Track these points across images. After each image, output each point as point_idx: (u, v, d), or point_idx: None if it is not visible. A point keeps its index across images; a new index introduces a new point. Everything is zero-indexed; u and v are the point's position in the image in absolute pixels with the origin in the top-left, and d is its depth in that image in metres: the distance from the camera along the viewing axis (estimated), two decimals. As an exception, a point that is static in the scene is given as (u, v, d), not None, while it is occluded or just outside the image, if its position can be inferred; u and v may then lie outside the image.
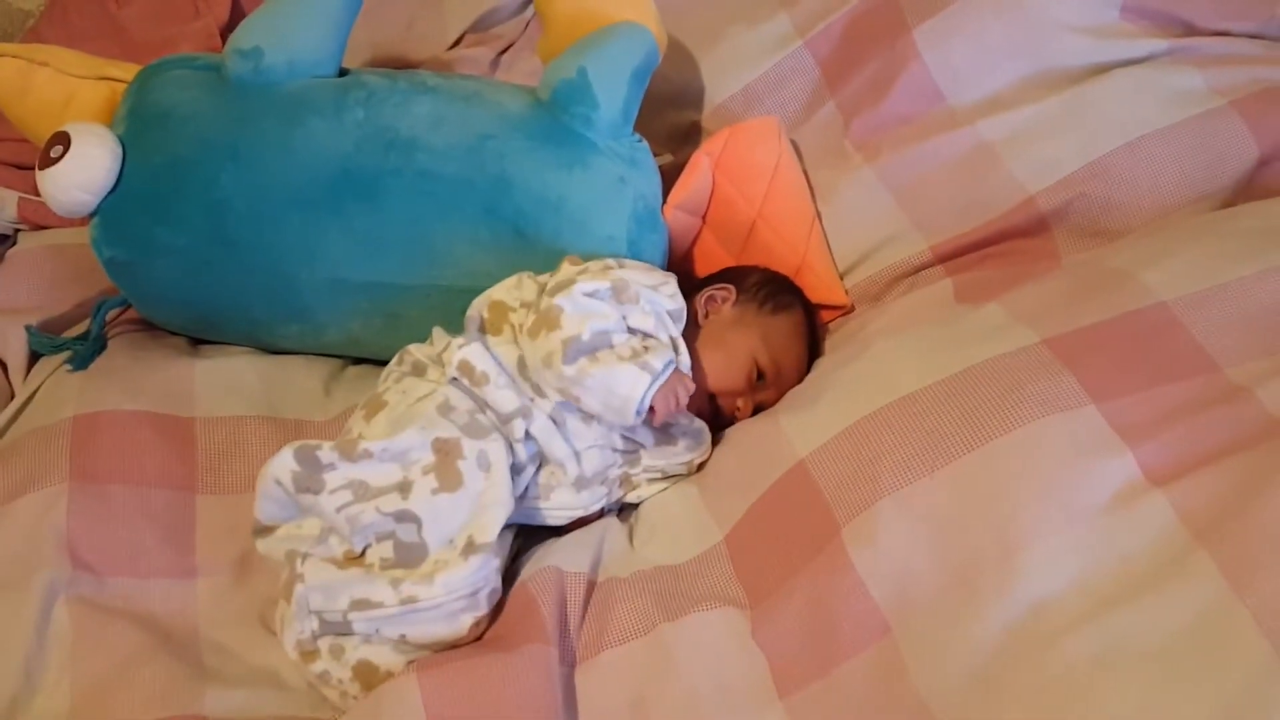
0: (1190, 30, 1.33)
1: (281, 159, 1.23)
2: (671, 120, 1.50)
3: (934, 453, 0.97)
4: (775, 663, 0.98)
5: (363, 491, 1.04)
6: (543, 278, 1.19)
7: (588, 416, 1.13)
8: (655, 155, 1.36)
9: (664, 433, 1.18)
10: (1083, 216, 1.25)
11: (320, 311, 1.27)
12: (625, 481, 1.19)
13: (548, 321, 1.10)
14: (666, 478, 1.20)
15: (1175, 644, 0.83)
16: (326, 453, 1.05)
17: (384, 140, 1.22)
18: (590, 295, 1.11)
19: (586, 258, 1.20)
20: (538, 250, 1.22)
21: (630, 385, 1.07)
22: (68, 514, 1.12)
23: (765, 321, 1.25)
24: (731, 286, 1.27)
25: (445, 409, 1.08)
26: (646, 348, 1.10)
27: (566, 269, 1.17)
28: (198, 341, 1.38)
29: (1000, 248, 1.29)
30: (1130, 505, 0.90)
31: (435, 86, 1.27)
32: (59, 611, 1.07)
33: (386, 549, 1.03)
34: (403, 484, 1.04)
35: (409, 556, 1.03)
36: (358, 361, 1.38)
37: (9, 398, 1.35)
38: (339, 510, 1.04)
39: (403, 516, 1.03)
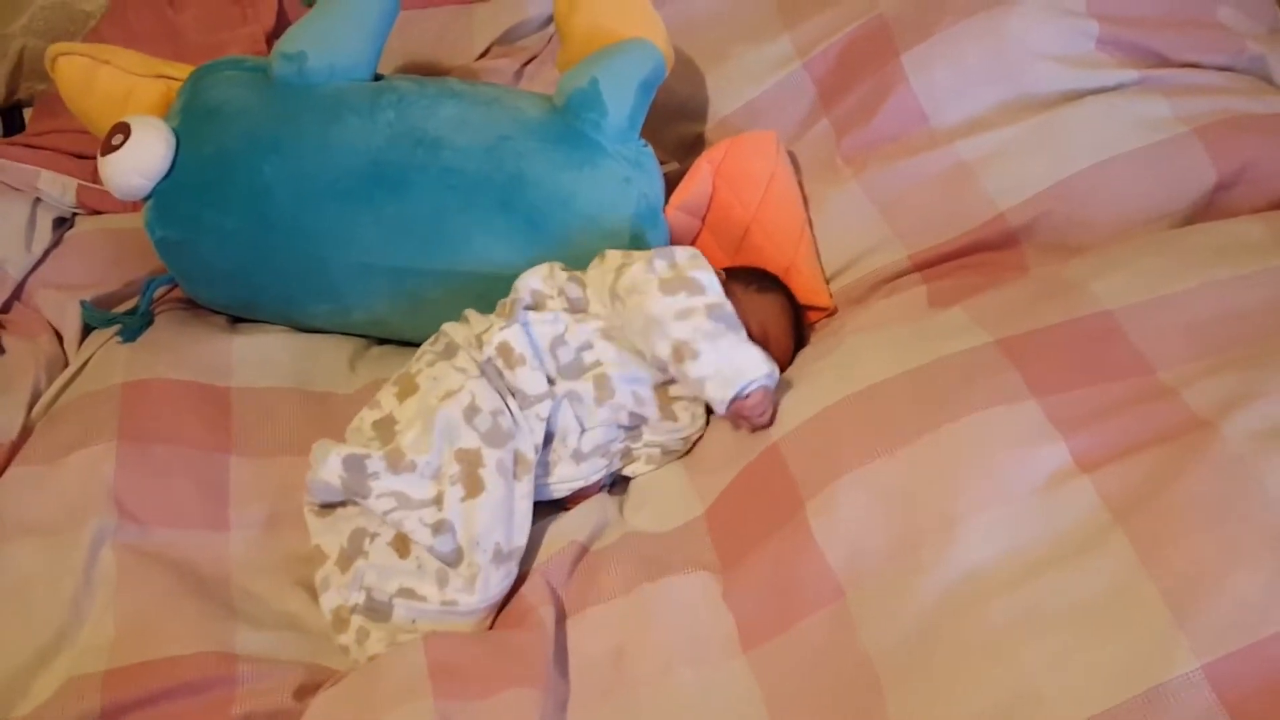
0: (1163, 61, 1.42)
1: (319, 152, 1.34)
2: (679, 131, 1.61)
3: (891, 436, 1.08)
4: (741, 620, 1.09)
5: (405, 501, 1.14)
6: (582, 273, 1.30)
7: (604, 397, 1.22)
8: (663, 163, 1.47)
9: (669, 409, 1.27)
10: (1050, 232, 1.34)
11: (349, 293, 1.38)
12: (626, 455, 1.30)
13: (688, 285, 1.20)
14: (664, 454, 1.30)
15: (1089, 609, 0.93)
16: (374, 462, 1.15)
17: (412, 139, 1.34)
18: (711, 280, 1.22)
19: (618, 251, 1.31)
20: (548, 240, 1.33)
21: (753, 366, 1.16)
22: (116, 469, 1.22)
23: (752, 297, 1.34)
24: (723, 271, 1.37)
25: (471, 412, 1.17)
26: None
27: (619, 256, 1.27)
28: (236, 320, 1.50)
29: (973, 259, 1.38)
30: (1059, 488, 1.00)
31: (460, 92, 1.39)
32: (105, 555, 1.16)
33: (429, 551, 1.13)
34: (438, 496, 1.14)
35: (449, 559, 1.13)
36: (382, 342, 1.49)
37: (64, 366, 1.46)
38: (385, 514, 1.14)
39: (440, 527, 1.13)
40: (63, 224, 1.67)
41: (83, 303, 1.49)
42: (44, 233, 1.62)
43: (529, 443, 1.19)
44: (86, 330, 1.49)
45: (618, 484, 1.33)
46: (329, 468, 1.14)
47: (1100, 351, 1.10)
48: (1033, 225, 1.35)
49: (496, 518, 1.14)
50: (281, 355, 1.41)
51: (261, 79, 1.40)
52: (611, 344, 1.25)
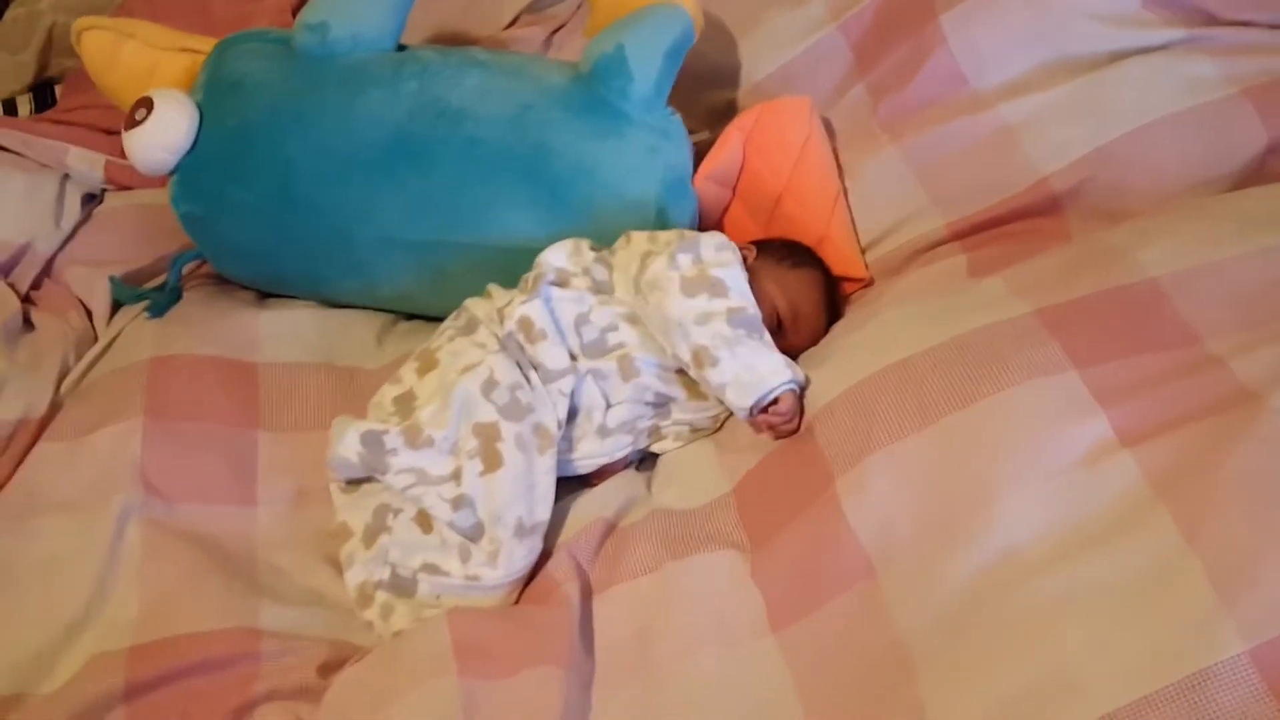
0: (1211, 20, 1.36)
1: (342, 125, 1.33)
2: (709, 99, 1.58)
3: (924, 412, 1.04)
4: (770, 599, 1.06)
5: (424, 477, 1.13)
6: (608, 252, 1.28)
7: (629, 375, 1.20)
8: (693, 132, 1.44)
9: (694, 389, 1.24)
10: (1093, 198, 1.30)
11: (374, 267, 1.37)
12: (654, 433, 1.27)
13: (710, 286, 1.16)
14: (693, 431, 1.28)
15: (1130, 588, 0.89)
16: (392, 438, 1.13)
17: (435, 109, 1.32)
18: (736, 278, 1.20)
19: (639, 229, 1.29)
20: (572, 212, 1.31)
21: (774, 373, 1.13)
22: (142, 445, 1.22)
23: (783, 273, 1.31)
24: (753, 245, 1.34)
25: (488, 386, 1.15)
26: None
27: (645, 241, 1.25)
28: (264, 295, 1.49)
29: (1014, 226, 1.33)
30: (1099, 463, 0.96)
31: (484, 61, 1.37)
32: (131, 531, 1.16)
33: (450, 526, 1.12)
34: (456, 471, 1.13)
35: (470, 534, 1.12)
36: (410, 317, 1.48)
37: (93, 341, 1.47)
38: (405, 490, 1.13)
39: (460, 502, 1.12)
40: (92, 200, 1.67)
41: (112, 278, 1.49)
42: (73, 209, 1.62)
43: (551, 417, 1.17)
44: (116, 306, 1.50)
45: (646, 461, 1.30)
46: (347, 444, 1.13)
47: (1144, 321, 1.05)
48: (1076, 191, 1.30)
49: (517, 492, 1.12)
50: (309, 330, 1.40)
51: (284, 51, 1.39)
52: (636, 329, 1.23)
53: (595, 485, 1.25)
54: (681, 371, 1.23)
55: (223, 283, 1.50)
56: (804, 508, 1.08)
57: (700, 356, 1.15)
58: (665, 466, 1.28)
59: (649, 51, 1.33)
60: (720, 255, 1.22)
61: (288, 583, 1.19)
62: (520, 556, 1.12)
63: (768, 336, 1.18)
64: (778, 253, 1.35)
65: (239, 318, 1.40)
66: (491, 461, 1.13)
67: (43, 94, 1.98)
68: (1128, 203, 1.29)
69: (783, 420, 1.14)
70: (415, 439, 1.13)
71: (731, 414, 1.27)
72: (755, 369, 1.13)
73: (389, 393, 1.22)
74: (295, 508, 1.25)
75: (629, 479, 1.25)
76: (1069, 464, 0.97)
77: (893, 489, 1.03)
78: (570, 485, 1.23)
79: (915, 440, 1.04)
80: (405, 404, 1.19)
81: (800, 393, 1.16)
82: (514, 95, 1.33)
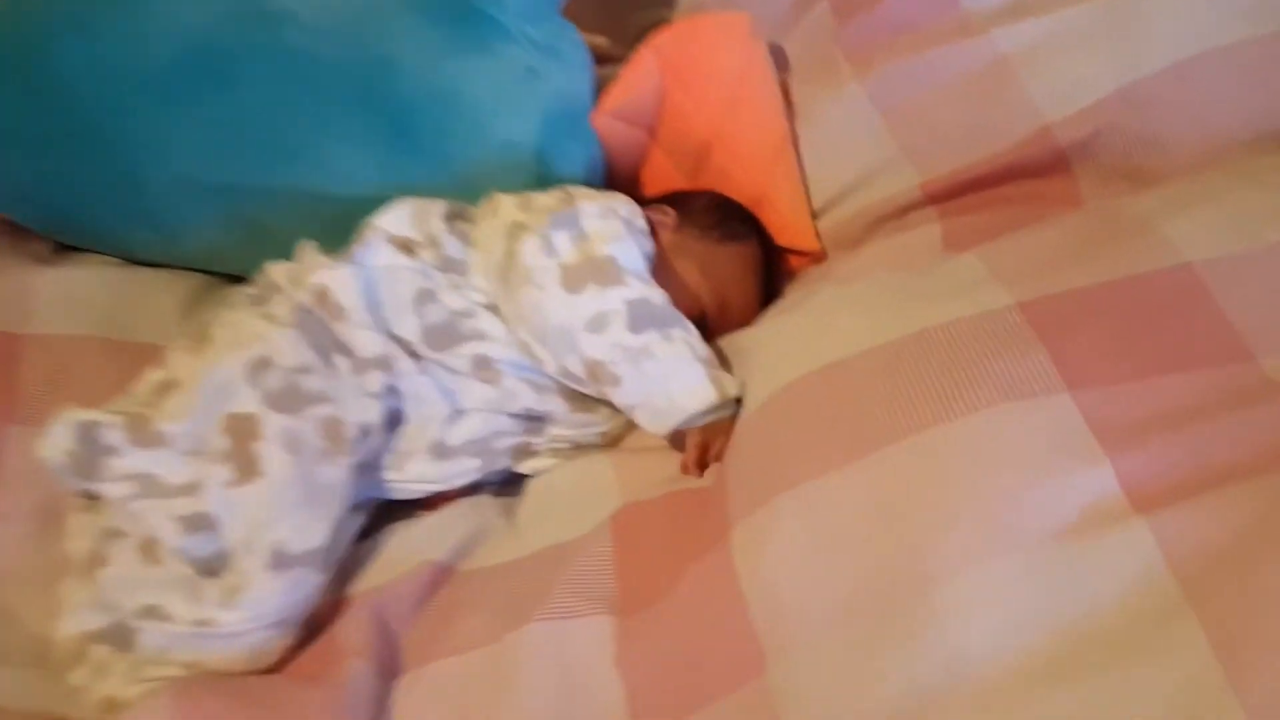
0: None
1: (131, 35, 1.04)
2: (639, 21, 1.32)
3: (852, 439, 0.75)
4: (635, 693, 0.77)
5: (151, 487, 0.85)
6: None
7: (487, 378, 0.93)
8: (617, 61, 1.15)
9: (582, 398, 0.98)
10: (1112, 153, 1.00)
11: (172, 216, 1.09)
12: (521, 451, 0.99)
13: (599, 272, 0.90)
14: (577, 448, 1.00)
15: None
16: (112, 432, 0.86)
17: (250, 12, 1.03)
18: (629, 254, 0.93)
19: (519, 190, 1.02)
20: (421, 152, 1.04)
21: (691, 397, 0.88)
22: None
23: (710, 250, 1.06)
24: (672, 210, 1.06)
25: (259, 366, 0.88)
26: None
27: (513, 208, 0.98)
28: (64, 248, 1.20)
29: (1008, 189, 1.04)
30: (1099, 535, 0.66)
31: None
32: None
33: (180, 555, 0.85)
34: (196, 480, 0.85)
35: (209, 566, 0.85)
36: (236, 279, 1.18)
37: None
38: (125, 502, 0.86)
39: (196, 522, 0.84)
40: None
41: None
42: None
43: (354, 413, 0.89)
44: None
45: (511, 483, 1.02)
46: (54, 441, 0.87)
47: (1172, 323, 0.75)
48: (1090, 144, 1.00)
49: (278, 510, 0.85)
50: (97, 295, 1.11)
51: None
52: (500, 322, 0.96)
53: (431, 512, 0.96)
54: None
55: (14, 230, 1.20)
56: (691, 561, 0.80)
57: (597, 373, 0.91)
58: (540, 491, 0.99)
59: (534, -63, 1.04)
60: (606, 225, 0.94)
61: (14, 632, 0.91)
62: (273, 596, 0.83)
63: (685, 328, 0.92)
64: (703, 218, 1.08)
65: (13, 276, 1.11)
66: (245, 468, 0.85)
67: None
68: (1155, 160, 0.98)
69: (695, 456, 0.90)
70: (142, 434, 0.86)
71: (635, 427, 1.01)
72: (667, 391, 0.89)
73: (151, 379, 0.95)
74: (43, 528, 0.96)
75: (479, 505, 0.97)
76: (1053, 533, 0.67)
77: (801, 546, 0.73)
78: (398, 509, 0.97)
79: (837, 480, 0.74)
80: (165, 393, 0.92)
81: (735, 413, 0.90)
82: (355, -5, 1.04)
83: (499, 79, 1.03)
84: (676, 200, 1.09)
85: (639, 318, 0.89)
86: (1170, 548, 0.64)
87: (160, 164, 1.05)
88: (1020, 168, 1.03)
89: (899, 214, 1.08)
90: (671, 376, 0.89)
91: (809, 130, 1.13)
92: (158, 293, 1.14)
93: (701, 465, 0.89)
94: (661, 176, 1.18)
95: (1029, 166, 1.03)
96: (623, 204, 0.99)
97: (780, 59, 1.16)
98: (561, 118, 1.05)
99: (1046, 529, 0.67)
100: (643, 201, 1.09)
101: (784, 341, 0.90)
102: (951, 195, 1.06)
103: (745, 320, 1.04)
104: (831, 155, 1.12)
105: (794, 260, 1.14)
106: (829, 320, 0.87)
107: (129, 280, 1.14)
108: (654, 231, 1.03)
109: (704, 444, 0.89)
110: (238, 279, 1.17)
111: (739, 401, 0.89)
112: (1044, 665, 0.63)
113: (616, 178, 1.16)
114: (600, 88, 1.13)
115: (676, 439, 0.92)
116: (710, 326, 1.02)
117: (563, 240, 0.92)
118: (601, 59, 1.22)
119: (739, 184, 1.13)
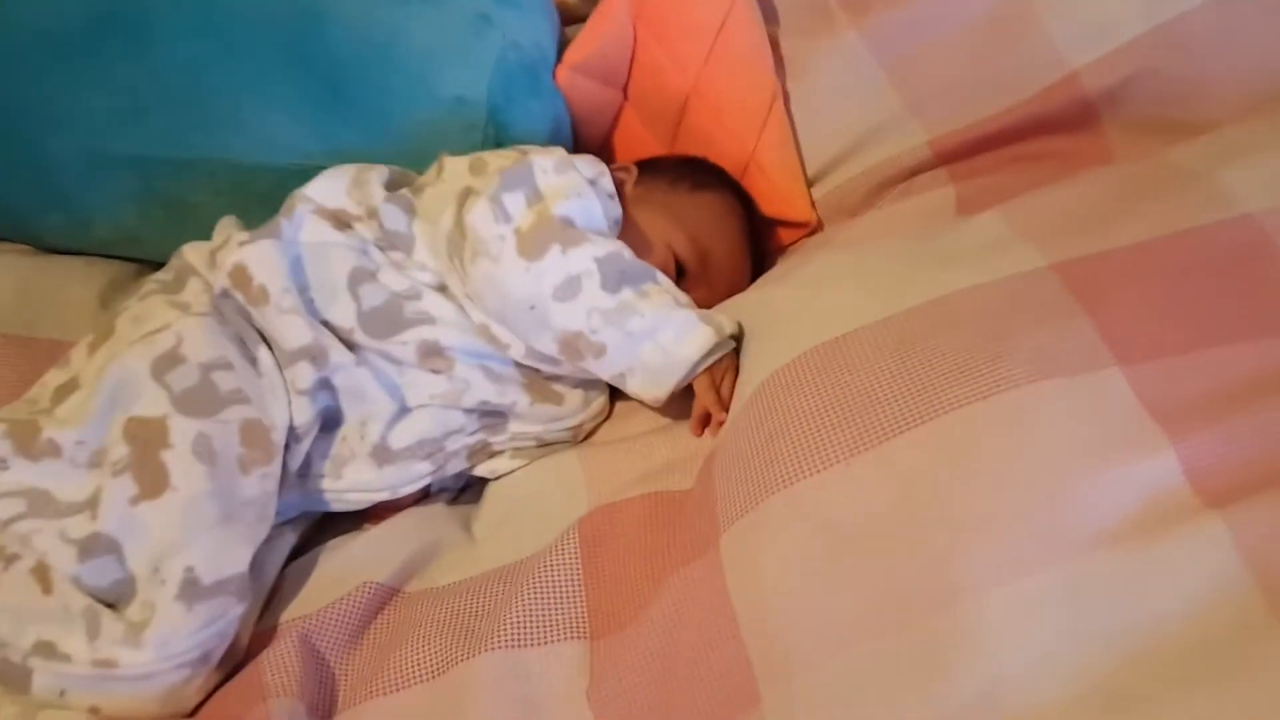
0: None
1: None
2: None
3: (858, 428, 0.65)
4: (606, 733, 0.67)
5: (40, 504, 0.76)
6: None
7: (438, 366, 0.84)
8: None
9: (546, 388, 0.88)
10: (1146, 103, 0.92)
11: (80, 195, 1.01)
12: (479, 452, 0.89)
13: (559, 234, 0.81)
14: (543, 446, 0.90)
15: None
16: None
17: (163, -38, 0.94)
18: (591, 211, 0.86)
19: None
20: (358, 114, 0.95)
21: (692, 340, 0.81)
22: None
23: (679, 200, 0.98)
24: (632, 165, 0.98)
25: (166, 363, 0.79)
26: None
27: (465, 172, 0.89)
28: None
29: (1028, 145, 0.96)
30: (1164, 535, 0.56)
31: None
32: None
33: (75, 583, 0.74)
34: (94, 495, 0.75)
35: (111, 595, 0.74)
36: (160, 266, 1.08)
37: None
38: (6, 524, 0.75)
39: (93, 545, 0.74)
40: None
41: None
42: None
43: (278, 414, 0.80)
44: None
45: (469, 489, 0.93)
46: None
47: (1234, 284, 0.67)
48: (1122, 92, 0.92)
49: (190, 528, 0.74)
50: (3, 287, 1.01)
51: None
52: (451, 302, 0.86)
53: (376, 524, 0.86)
54: (523, 365, 0.87)
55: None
56: (671, 572, 0.71)
57: (575, 347, 0.82)
58: (501, 497, 0.89)
59: None
60: (564, 179, 0.84)
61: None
62: (186, 630, 0.72)
63: (659, 279, 0.85)
64: (669, 172, 1.00)
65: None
66: (151, 481, 0.75)
67: None
68: (1195, 110, 0.91)
69: (711, 400, 0.81)
70: (30, 443, 0.77)
71: (608, 418, 0.93)
72: (662, 346, 0.81)
73: (52, 380, 0.85)
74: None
75: (431, 516, 0.87)
76: (1105, 536, 0.57)
77: (797, 558, 0.64)
78: (338, 522, 0.87)
79: (838, 476, 0.65)
80: (65, 396, 0.82)
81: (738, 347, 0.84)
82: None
83: (444, 27, 0.95)
84: (637, 163, 1.01)
85: (611, 275, 0.81)
86: (1250, 549, 0.54)
87: (62, 135, 0.97)
88: (1042, 121, 0.96)
89: (905, 177, 1.01)
90: (660, 328, 0.81)
91: (800, 86, 1.06)
92: (71, 284, 1.04)
93: (722, 407, 0.81)
94: (636, 142, 1.10)
95: (1052, 120, 0.96)
96: (587, 163, 0.89)
97: (767, 8, 1.09)
98: (518, 71, 0.95)
99: (1097, 531, 0.57)
100: (613, 169, 1.01)
101: (775, 317, 0.81)
102: (964, 154, 0.99)
103: (734, 282, 0.96)
104: (827, 114, 1.05)
105: (785, 234, 1.06)
106: (827, 290, 0.79)
107: (39, 271, 1.05)
108: (620, 193, 0.93)
109: (713, 385, 0.81)
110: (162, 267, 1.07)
111: (736, 339, 0.82)
112: (1099, 697, 0.53)
113: (585, 143, 1.08)
114: (567, 44, 1.03)
115: (670, 402, 0.83)
116: (692, 275, 0.94)
117: (515, 201, 0.82)
118: (570, 19, 1.12)
119: (723, 148, 1.05)
